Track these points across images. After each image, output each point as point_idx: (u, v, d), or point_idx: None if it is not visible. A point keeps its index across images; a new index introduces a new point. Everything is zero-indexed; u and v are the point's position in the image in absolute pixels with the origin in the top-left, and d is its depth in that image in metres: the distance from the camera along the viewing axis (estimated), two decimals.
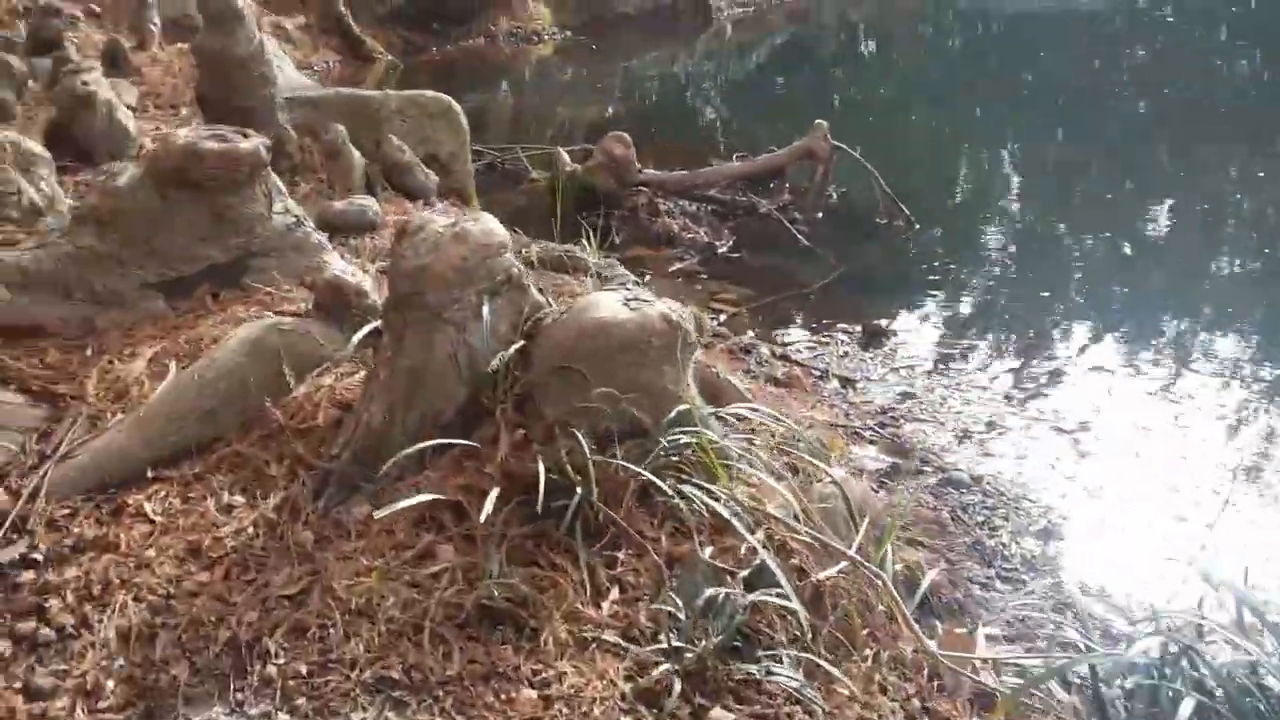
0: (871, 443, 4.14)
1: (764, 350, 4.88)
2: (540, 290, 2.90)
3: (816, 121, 6.97)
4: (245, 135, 3.48)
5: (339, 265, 3.64)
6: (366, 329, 3.05)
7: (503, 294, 2.77)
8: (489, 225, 2.73)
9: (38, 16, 9.27)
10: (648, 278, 5.90)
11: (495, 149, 8.41)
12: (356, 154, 4.97)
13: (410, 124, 5.96)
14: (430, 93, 6.07)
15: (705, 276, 5.99)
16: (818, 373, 4.75)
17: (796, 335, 5.24)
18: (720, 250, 6.38)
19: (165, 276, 3.35)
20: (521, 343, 2.74)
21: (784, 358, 4.89)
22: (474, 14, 15.64)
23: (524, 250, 4.54)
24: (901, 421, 4.37)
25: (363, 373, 2.91)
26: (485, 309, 2.70)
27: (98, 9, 11.49)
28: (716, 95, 13.30)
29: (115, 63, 8.52)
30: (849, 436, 4.12)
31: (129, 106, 6.30)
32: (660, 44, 16.02)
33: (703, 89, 13.77)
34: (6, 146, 3.61)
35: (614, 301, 2.67)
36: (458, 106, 6.06)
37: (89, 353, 3.08)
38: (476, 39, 15.43)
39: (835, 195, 7.28)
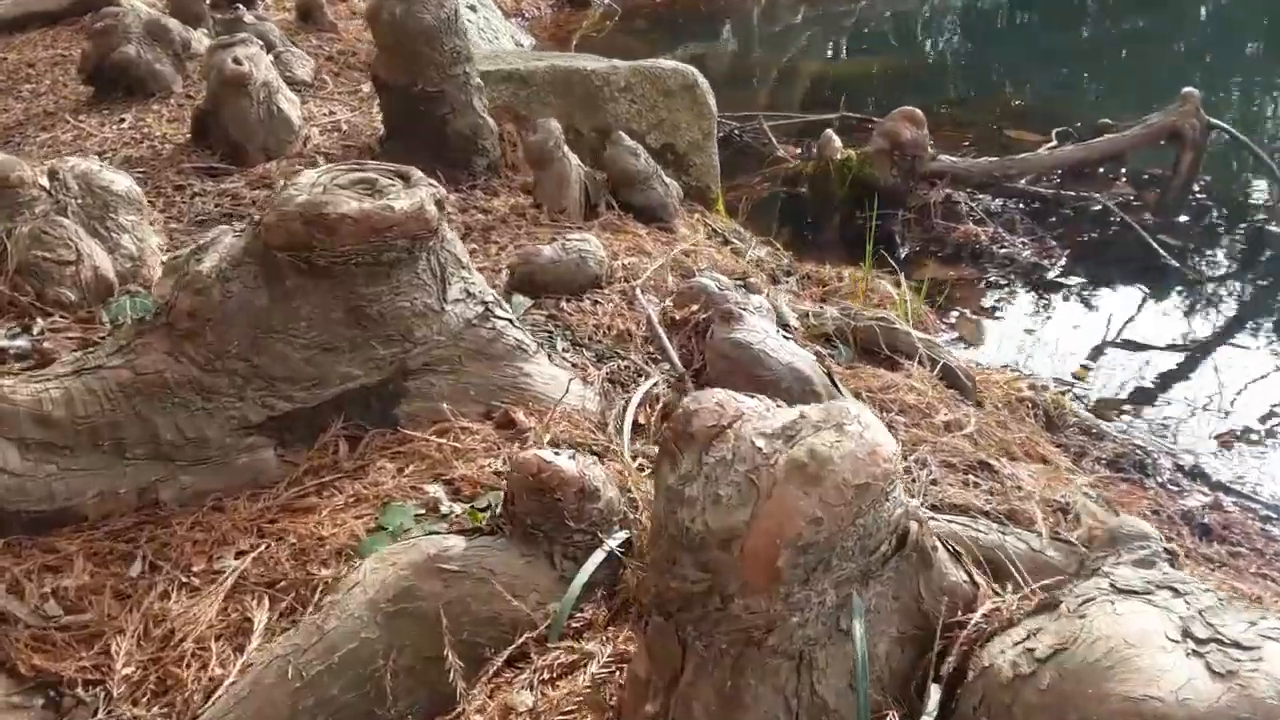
0: None
1: (1162, 463, 3.22)
2: (956, 552, 1.41)
3: (1185, 90, 5.08)
4: (405, 178, 2.14)
5: (545, 375, 2.27)
6: (595, 562, 1.68)
7: (882, 576, 1.31)
8: (866, 436, 1.25)
9: None
10: (954, 316, 4.30)
11: (732, 117, 6.91)
12: (574, 159, 3.58)
13: (641, 104, 4.55)
14: (669, 63, 4.62)
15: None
16: (1267, 514, 3.05)
17: (1200, 430, 3.53)
18: (1050, 274, 4.68)
19: (275, 411, 2.07)
20: (935, 696, 1.28)
21: (1196, 475, 3.21)
22: None
23: (814, 316, 3.05)
24: None
25: (591, 666, 1.53)
26: (857, 625, 1.25)
27: None
28: (1004, 33, 11.18)
29: (310, 16, 7.50)
30: None
31: (302, 83, 5.17)
32: None
33: (987, 24, 11.67)
34: (70, 182, 2.40)
35: (1162, 640, 1.16)
36: (704, 82, 4.58)
37: (136, 569, 1.83)
38: None
39: (1199, 188, 5.40)
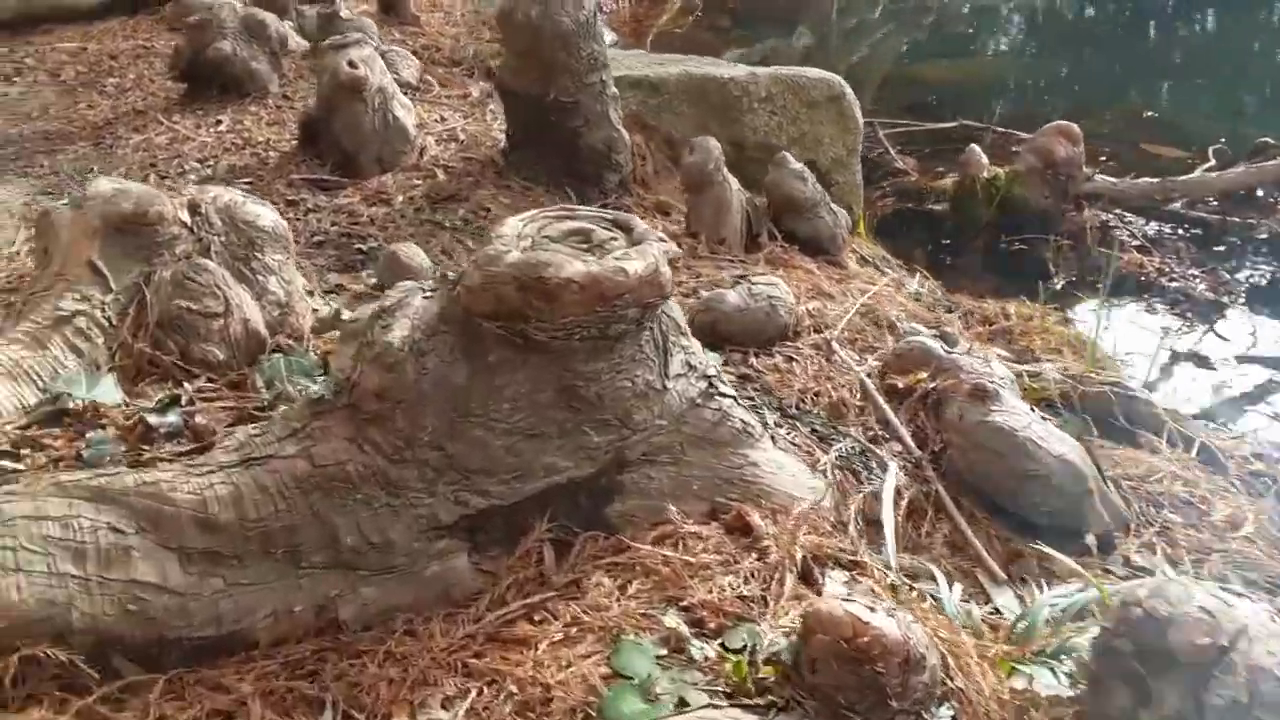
0: None
1: None
2: None
3: None
4: (626, 229, 1.77)
5: (772, 464, 1.90)
6: None
7: None
8: None
9: None
10: (1130, 364, 3.87)
11: None
12: (734, 183, 3.21)
13: (783, 116, 4.18)
14: (814, 71, 4.24)
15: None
16: None
17: None
18: (1230, 311, 4.24)
19: (469, 508, 1.72)
20: None
21: None
22: None
23: (1030, 376, 2.65)
24: None
25: None
26: None
27: None
28: (1089, 34, 10.64)
29: (393, 9, 7.21)
30: None
31: (408, 85, 4.83)
32: None
33: (1063, 25, 11.11)
34: (213, 217, 2.06)
35: None
36: (851, 92, 4.20)
37: (324, 718, 1.48)
38: None
39: None
